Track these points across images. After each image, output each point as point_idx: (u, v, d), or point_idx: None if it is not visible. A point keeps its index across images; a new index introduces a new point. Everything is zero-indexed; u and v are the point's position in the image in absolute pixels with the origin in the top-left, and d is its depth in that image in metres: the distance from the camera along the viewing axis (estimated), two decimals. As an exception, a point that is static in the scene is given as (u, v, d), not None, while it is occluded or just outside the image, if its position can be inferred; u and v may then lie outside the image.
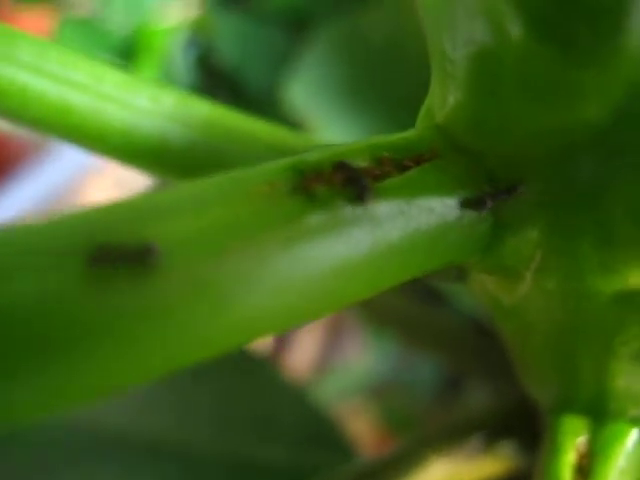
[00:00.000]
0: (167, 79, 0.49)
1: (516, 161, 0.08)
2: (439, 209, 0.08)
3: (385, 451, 0.17)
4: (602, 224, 0.08)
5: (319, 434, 0.23)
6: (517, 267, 0.09)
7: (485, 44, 0.08)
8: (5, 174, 0.53)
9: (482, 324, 0.20)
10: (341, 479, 0.17)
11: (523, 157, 0.08)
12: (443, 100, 0.09)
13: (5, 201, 0.52)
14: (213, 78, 0.50)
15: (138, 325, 0.06)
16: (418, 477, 0.16)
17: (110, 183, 0.56)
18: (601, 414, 0.11)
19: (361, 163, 0.08)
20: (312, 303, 0.07)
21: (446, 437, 0.17)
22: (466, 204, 0.08)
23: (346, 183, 0.07)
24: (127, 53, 0.49)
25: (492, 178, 0.09)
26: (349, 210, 0.07)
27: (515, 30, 0.07)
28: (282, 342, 0.52)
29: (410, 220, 0.08)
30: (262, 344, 0.50)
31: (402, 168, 0.08)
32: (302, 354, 0.52)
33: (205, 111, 0.12)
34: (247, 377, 0.24)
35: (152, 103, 0.11)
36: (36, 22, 0.53)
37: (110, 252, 0.06)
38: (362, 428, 0.47)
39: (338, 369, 0.52)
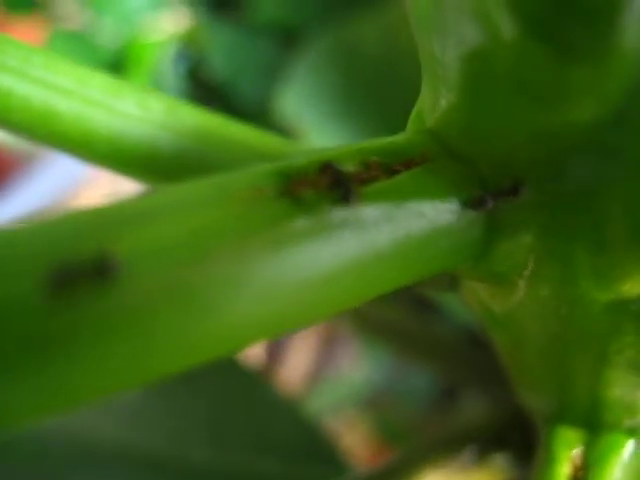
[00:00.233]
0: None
1: (509, 164, 0.08)
2: (430, 214, 0.08)
3: (379, 462, 0.17)
4: (597, 228, 0.08)
5: (312, 447, 0.23)
6: (510, 273, 0.09)
7: (477, 45, 0.08)
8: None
9: (475, 334, 0.19)
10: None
11: (517, 160, 0.08)
12: (434, 103, 0.09)
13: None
14: (204, 90, 0.50)
15: (100, 340, 0.06)
16: (412, 489, 0.16)
17: (105, 192, 0.56)
18: (596, 425, 0.11)
19: (349, 167, 0.08)
20: (299, 309, 0.07)
21: (440, 449, 0.17)
22: (458, 208, 0.08)
23: (332, 186, 0.07)
24: (117, 66, 0.49)
25: (485, 182, 0.08)
26: (335, 213, 0.07)
27: (508, 30, 0.07)
28: (275, 353, 0.52)
29: (399, 224, 0.08)
30: (255, 355, 0.50)
31: (391, 172, 0.08)
32: (295, 365, 0.52)
33: (194, 118, 0.11)
34: (240, 390, 0.24)
35: (140, 109, 0.11)
36: (27, 35, 0.53)
37: (70, 269, 0.06)
38: (356, 439, 0.47)
39: (331, 380, 0.51)
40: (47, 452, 0.20)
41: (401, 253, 0.08)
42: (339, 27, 0.33)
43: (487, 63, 0.08)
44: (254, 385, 0.24)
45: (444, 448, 0.17)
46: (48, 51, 0.11)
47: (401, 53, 0.29)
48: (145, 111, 0.11)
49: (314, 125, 0.30)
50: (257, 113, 0.46)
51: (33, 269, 0.06)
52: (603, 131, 0.07)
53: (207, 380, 0.23)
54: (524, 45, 0.07)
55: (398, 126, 0.10)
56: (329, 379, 0.52)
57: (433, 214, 0.08)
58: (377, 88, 0.30)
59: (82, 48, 0.49)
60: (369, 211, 0.07)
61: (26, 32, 0.53)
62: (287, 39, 0.47)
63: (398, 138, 0.09)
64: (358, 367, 0.51)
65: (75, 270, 0.06)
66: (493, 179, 0.08)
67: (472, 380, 0.21)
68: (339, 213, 0.07)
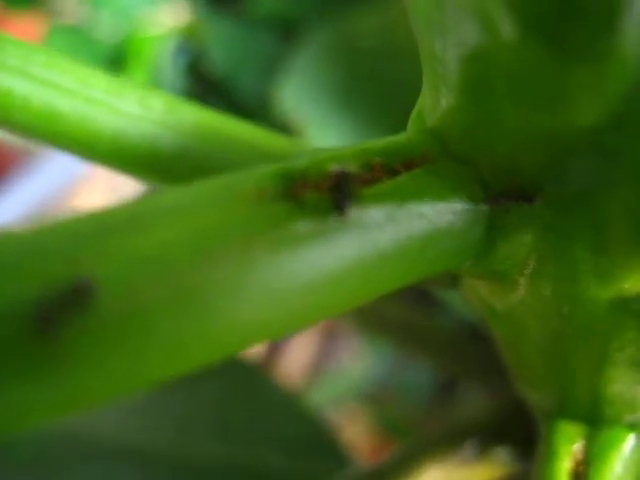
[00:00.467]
0: (157, 86, 0.49)
1: (511, 165, 0.08)
2: (430, 214, 0.08)
3: (380, 455, 0.17)
4: (598, 228, 0.08)
5: (314, 440, 0.23)
6: (511, 272, 0.09)
7: (477, 45, 0.08)
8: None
9: (477, 329, 0.19)
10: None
11: (518, 161, 0.08)
12: (435, 103, 0.09)
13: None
14: (203, 84, 0.50)
15: (94, 360, 0.06)
16: (413, 484, 0.16)
17: (103, 189, 0.56)
18: (597, 420, 0.11)
19: (351, 168, 0.08)
20: (303, 310, 0.07)
21: (441, 443, 0.17)
22: (459, 209, 0.08)
23: (335, 188, 0.07)
24: (116, 60, 0.49)
25: (485, 182, 0.08)
26: (337, 216, 0.07)
27: (508, 31, 0.07)
28: (276, 347, 0.52)
29: (401, 226, 0.08)
30: (255, 349, 0.50)
31: (393, 173, 0.08)
32: (296, 359, 0.52)
33: (195, 116, 0.11)
34: (241, 384, 0.24)
35: (141, 108, 0.11)
36: (25, 29, 0.53)
37: (49, 304, 0.06)
38: (357, 433, 0.47)
39: (332, 373, 0.52)
40: (47, 451, 0.20)
41: (403, 254, 0.08)
42: (338, 20, 0.33)
43: (487, 64, 0.08)
44: (255, 379, 0.24)
45: (445, 442, 0.17)
46: (48, 50, 0.11)
47: (400, 46, 0.29)
48: (147, 110, 0.11)
49: (313, 118, 0.30)
50: (257, 106, 0.46)
51: (14, 314, 0.06)
52: (603, 134, 0.07)
53: (207, 375, 0.23)
54: (524, 46, 0.07)
55: (397, 120, 0.10)
56: (330, 372, 0.52)
57: (435, 215, 0.08)
58: (376, 82, 0.29)
59: (81, 43, 0.48)
60: (371, 212, 0.07)
61: (25, 27, 0.53)
62: (286, 33, 0.47)
63: (399, 138, 0.09)
64: (359, 360, 0.51)
65: (54, 303, 0.06)
66: (494, 180, 0.08)
67: (473, 373, 0.21)
68: (342, 215, 0.07)
